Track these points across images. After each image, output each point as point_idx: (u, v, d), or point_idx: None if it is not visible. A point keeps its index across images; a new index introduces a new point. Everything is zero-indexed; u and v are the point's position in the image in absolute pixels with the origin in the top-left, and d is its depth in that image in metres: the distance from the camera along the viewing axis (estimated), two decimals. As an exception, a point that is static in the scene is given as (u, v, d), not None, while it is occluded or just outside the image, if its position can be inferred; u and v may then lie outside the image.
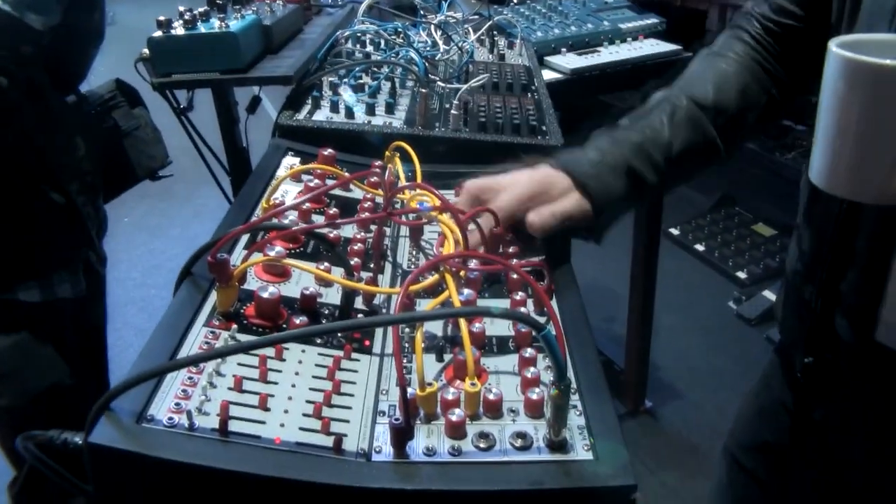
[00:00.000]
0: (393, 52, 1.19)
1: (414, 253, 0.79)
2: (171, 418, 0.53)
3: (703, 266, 3.00)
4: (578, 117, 2.07)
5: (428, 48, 1.30)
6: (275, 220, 0.65)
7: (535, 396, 0.56)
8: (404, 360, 0.62)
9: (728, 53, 0.91)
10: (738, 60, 0.90)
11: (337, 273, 0.69)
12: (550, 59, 1.75)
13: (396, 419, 0.52)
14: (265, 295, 0.63)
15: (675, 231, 3.16)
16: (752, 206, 3.28)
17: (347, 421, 0.56)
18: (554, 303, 0.70)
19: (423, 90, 1.04)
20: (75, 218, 1.22)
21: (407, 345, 0.63)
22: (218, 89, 1.30)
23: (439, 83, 1.16)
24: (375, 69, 1.18)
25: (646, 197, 0.85)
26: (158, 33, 1.05)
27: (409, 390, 0.55)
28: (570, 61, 1.72)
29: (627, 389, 2.31)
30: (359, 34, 1.33)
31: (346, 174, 0.85)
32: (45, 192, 1.17)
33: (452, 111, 1.04)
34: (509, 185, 0.80)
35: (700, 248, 3.06)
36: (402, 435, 0.52)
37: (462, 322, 0.58)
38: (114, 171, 1.38)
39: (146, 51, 1.06)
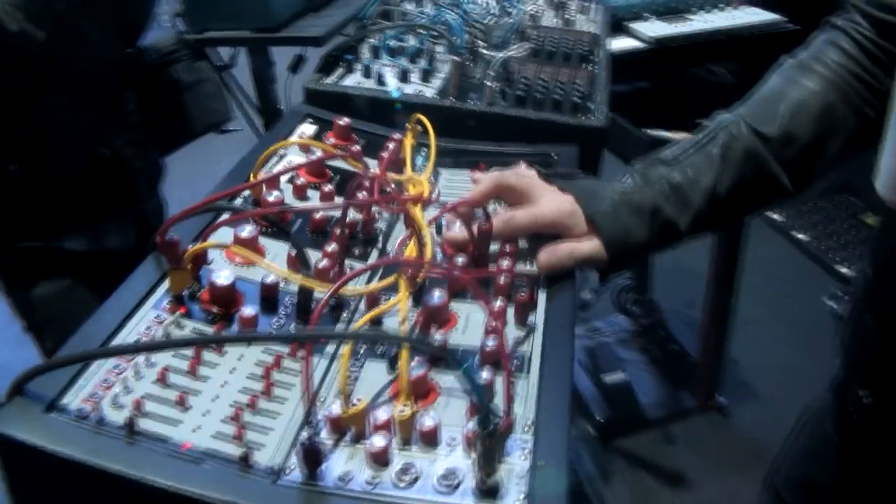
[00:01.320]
0: (435, 13, 1.11)
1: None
2: (81, 409, 0.50)
3: (802, 256, 2.75)
4: (663, 91, 1.92)
5: (481, 10, 1.21)
6: (222, 202, 0.60)
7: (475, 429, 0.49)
8: (356, 367, 0.57)
9: (815, 66, 0.77)
10: (825, 76, 0.76)
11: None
12: (633, 24, 1.61)
13: (306, 439, 0.47)
14: (219, 281, 0.59)
15: (776, 216, 2.91)
16: (867, 195, 2.97)
17: (270, 431, 0.51)
18: (538, 316, 0.62)
19: (456, 58, 0.96)
20: (122, 171, 1.23)
21: (361, 349, 0.58)
22: (250, 48, 1.27)
23: (484, 51, 1.07)
24: (420, 31, 1.11)
25: (677, 243, 0.75)
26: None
27: (335, 407, 0.50)
28: (654, 28, 1.57)
29: (698, 382, 2.18)
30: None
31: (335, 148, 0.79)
32: (91, 145, 1.18)
33: (487, 82, 0.96)
34: (534, 207, 0.71)
35: (801, 236, 2.80)
36: (310, 457, 0.47)
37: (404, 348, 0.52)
38: (172, 125, 1.39)
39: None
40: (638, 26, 1.59)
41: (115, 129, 1.19)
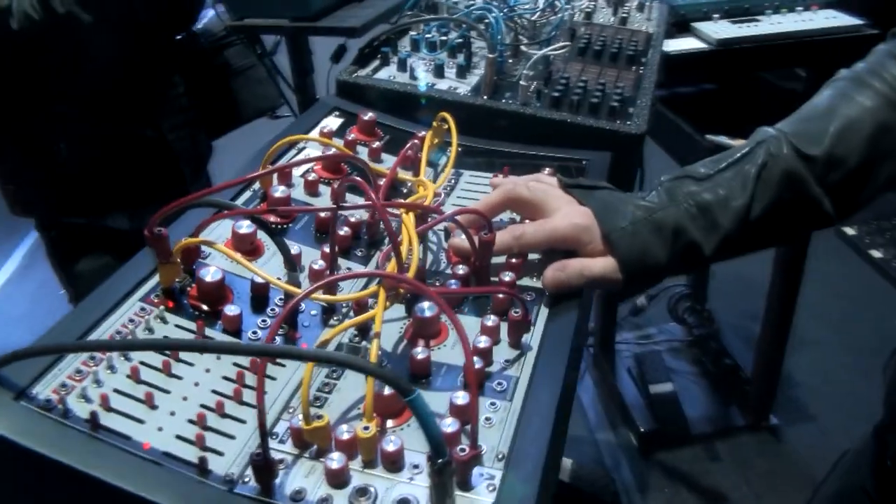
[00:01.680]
0: (475, 7, 1.08)
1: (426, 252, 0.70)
2: (49, 400, 0.49)
3: (873, 275, 2.59)
4: (730, 95, 1.83)
5: (530, 6, 1.16)
6: (210, 197, 0.59)
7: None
8: (334, 377, 0.55)
9: (872, 80, 0.71)
10: (883, 92, 0.69)
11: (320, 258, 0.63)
12: (698, 25, 1.53)
13: (257, 454, 0.45)
14: (207, 277, 0.58)
15: (850, 230, 2.75)
16: (957, 214, 2.77)
17: (233, 438, 0.50)
18: (535, 337, 0.59)
19: (491, 55, 0.92)
20: (167, 153, 1.24)
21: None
22: (287, 37, 1.26)
23: (525, 48, 1.03)
24: (456, 26, 1.07)
25: (701, 266, 0.69)
26: (232, -26, 1.02)
27: (296, 420, 0.48)
28: (719, 30, 1.49)
29: (750, 400, 2.08)
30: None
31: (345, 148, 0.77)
32: (136, 126, 1.20)
33: (521, 81, 0.92)
34: (546, 221, 0.67)
35: (877, 254, 2.64)
36: (259, 472, 0.45)
37: (373, 352, 0.50)
38: (222, 109, 1.40)
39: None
40: (703, 26, 1.51)
41: (162, 112, 1.21)
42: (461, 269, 0.63)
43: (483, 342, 0.55)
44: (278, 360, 0.55)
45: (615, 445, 2.06)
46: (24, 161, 1.16)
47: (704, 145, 1.60)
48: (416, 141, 0.81)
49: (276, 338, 0.56)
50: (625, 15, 1.27)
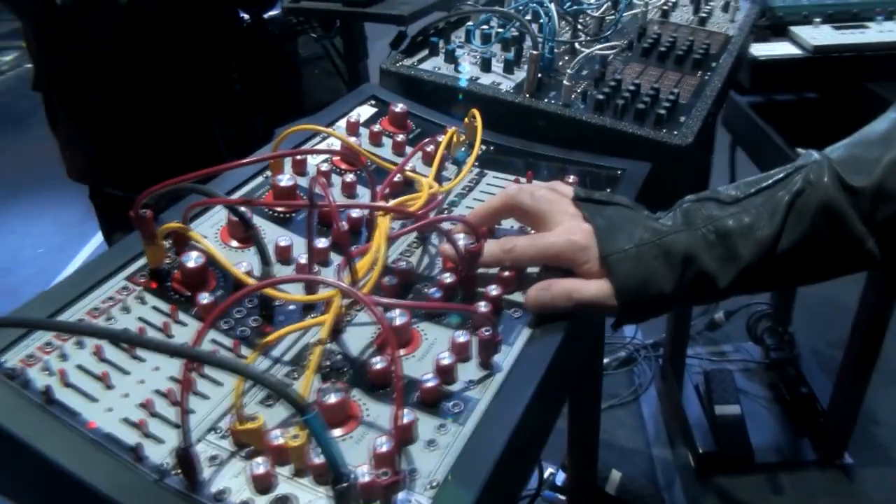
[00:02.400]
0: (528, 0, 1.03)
1: (417, 252, 0.68)
2: (14, 369, 0.51)
3: None
4: (829, 107, 1.69)
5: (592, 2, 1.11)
6: (190, 183, 0.58)
7: (365, 478, 0.44)
8: (293, 375, 0.54)
9: None
10: None
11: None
12: (797, 29, 1.41)
13: (179, 447, 0.45)
14: (188, 263, 0.59)
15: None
16: None
17: (178, 427, 0.50)
18: (509, 358, 0.56)
19: (535, 51, 0.88)
20: (206, 136, 1.25)
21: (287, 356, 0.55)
22: (341, 21, 1.25)
23: (579, 46, 0.98)
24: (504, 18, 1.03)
25: (714, 300, 0.62)
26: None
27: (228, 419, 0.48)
28: (819, 35, 1.37)
29: (824, 434, 1.94)
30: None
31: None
32: (179, 106, 1.21)
33: (565, 81, 0.87)
34: (542, 236, 0.63)
35: None
36: (182, 466, 0.45)
37: (314, 359, 0.48)
38: (283, 98, 1.40)
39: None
40: (800, 31, 1.40)
41: (208, 95, 1.22)
42: (448, 278, 0.60)
43: (446, 359, 0.52)
44: (241, 354, 0.54)
45: (671, 463, 1.97)
46: (77, 130, 1.21)
47: (793, 159, 1.49)
48: (439, 138, 0.79)
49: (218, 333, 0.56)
50: (705, 15, 1.19)
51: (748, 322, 2.18)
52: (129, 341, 0.49)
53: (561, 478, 1.81)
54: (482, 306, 0.57)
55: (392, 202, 0.64)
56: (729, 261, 0.61)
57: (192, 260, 0.59)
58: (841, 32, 1.38)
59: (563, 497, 1.76)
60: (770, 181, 0.64)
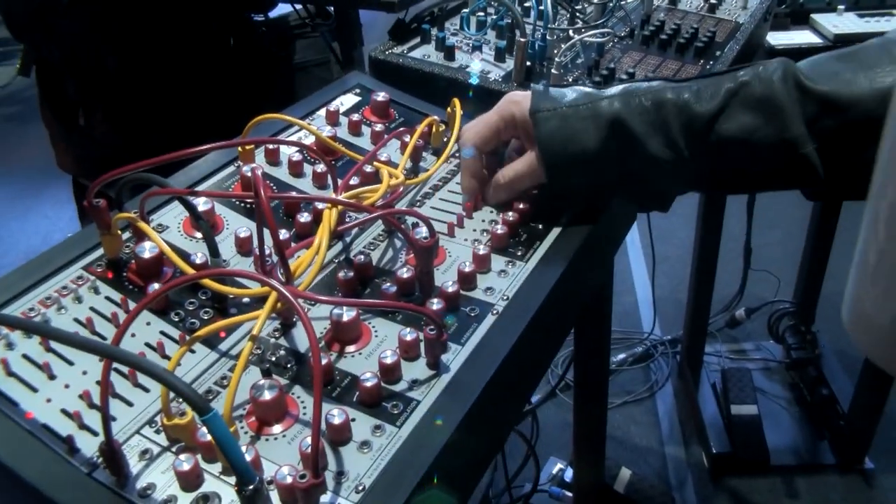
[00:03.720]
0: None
1: (382, 245, 0.66)
2: (-45, 357, 0.51)
3: None
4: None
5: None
6: (142, 171, 0.57)
7: (286, 480, 0.43)
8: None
9: None
10: None
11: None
12: (818, 17, 1.35)
13: (102, 442, 0.44)
14: (144, 255, 0.58)
15: None
16: None
17: (114, 419, 0.49)
18: (458, 359, 0.54)
19: (522, 39, 0.85)
20: (195, 135, 1.24)
21: (234, 350, 0.54)
22: (335, 8, 1.23)
23: (573, 33, 0.95)
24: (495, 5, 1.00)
25: (646, 168, 0.60)
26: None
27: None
28: (840, 23, 1.31)
29: (844, 438, 1.88)
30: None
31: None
32: (156, 104, 1.20)
33: (553, 70, 0.85)
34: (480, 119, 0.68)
35: None
36: (105, 461, 0.44)
37: (243, 355, 0.47)
38: (279, 103, 1.37)
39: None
40: (822, 18, 1.34)
41: (197, 93, 1.20)
42: (407, 273, 0.59)
43: (388, 357, 0.51)
44: (192, 349, 0.54)
45: (683, 463, 1.93)
46: (56, 121, 1.21)
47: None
48: (421, 128, 0.77)
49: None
50: (715, 1, 1.14)
51: (770, 320, 2.12)
52: (43, 334, 0.49)
53: (569, 474, 1.79)
54: (435, 303, 0.55)
55: (349, 194, 0.62)
56: (658, 127, 0.58)
57: (147, 251, 0.58)
58: (865, 20, 1.31)
59: (570, 494, 1.74)
60: (723, 70, 0.62)
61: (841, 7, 1.36)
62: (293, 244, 0.62)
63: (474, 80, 0.90)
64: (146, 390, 0.51)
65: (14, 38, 1.13)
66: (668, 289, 2.42)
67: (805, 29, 1.36)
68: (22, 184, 3.63)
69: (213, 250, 0.56)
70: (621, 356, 2.23)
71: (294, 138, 0.77)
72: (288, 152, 0.74)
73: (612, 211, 0.72)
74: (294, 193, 0.68)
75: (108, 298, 0.57)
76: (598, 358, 1.33)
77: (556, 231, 0.67)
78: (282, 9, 1.32)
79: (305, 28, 1.32)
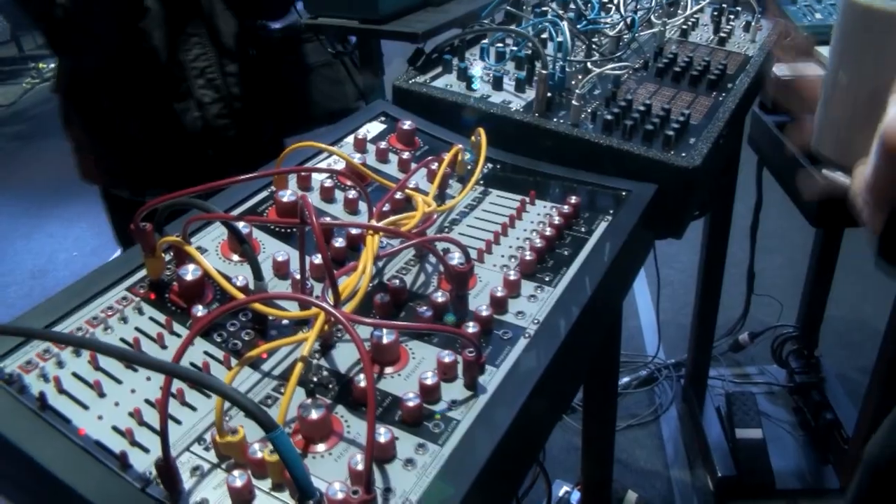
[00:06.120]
0: (538, 20, 1.03)
1: (414, 269, 0.68)
2: (12, 374, 0.53)
3: None
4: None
5: (613, 20, 1.10)
6: (188, 198, 0.60)
7: (337, 496, 0.45)
8: (280, 390, 0.55)
9: None
10: None
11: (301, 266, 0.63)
12: (822, 49, 1.39)
13: (160, 458, 0.46)
14: (187, 277, 0.60)
15: None
16: None
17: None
18: (495, 379, 0.56)
19: (544, 71, 0.88)
20: (215, 139, 1.26)
21: (276, 370, 0.56)
22: (357, 37, 1.26)
23: (591, 66, 0.98)
24: (516, 37, 1.04)
25: None
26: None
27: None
28: (844, 55, 1.35)
29: (848, 462, 1.89)
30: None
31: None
32: (183, 108, 1.23)
33: (574, 101, 0.88)
34: None
35: None
36: (161, 477, 0.46)
37: (294, 376, 0.49)
38: (292, 106, 1.39)
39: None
40: (826, 51, 1.37)
41: (204, 96, 1.22)
42: (441, 297, 0.61)
43: (429, 379, 0.53)
44: (231, 365, 0.56)
45: (689, 486, 1.94)
46: (85, 132, 1.23)
47: (817, 181, 1.46)
48: (444, 156, 0.79)
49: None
50: (725, 35, 1.18)
51: (773, 344, 2.13)
52: (107, 353, 0.51)
53: (576, 497, 1.80)
54: (470, 327, 0.57)
55: (386, 221, 0.64)
56: None
57: (190, 273, 0.60)
58: (868, 53, 1.35)
59: (577, 516, 1.74)
60: None
61: (845, 40, 1.40)
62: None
63: (472, 100, 0.91)
64: (194, 409, 0.53)
65: (52, 50, 1.15)
66: (671, 312, 2.43)
67: (811, 61, 1.40)
68: (27, 203, 3.65)
69: (258, 273, 0.58)
70: (626, 379, 2.24)
71: (324, 164, 0.79)
72: (320, 178, 0.77)
73: (634, 239, 0.75)
74: (332, 219, 0.70)
75: (152, 319, 0.59)
76: (607, 381, 1.34)
77: (581, 257, 0.70)
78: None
79: (309, 32, 1.35)
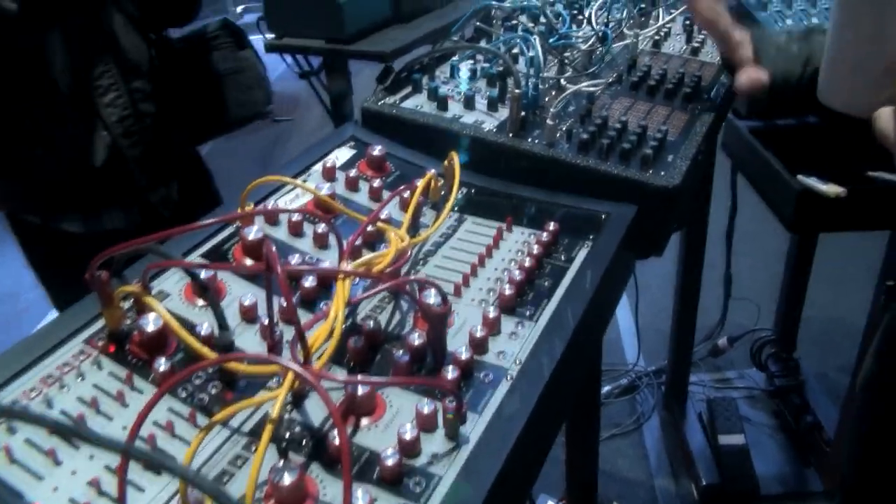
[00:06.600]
0: (509, 37, 1.01)
1: (388, 307, 0.65)
2: (-40, 444, 0.49)
3: None
4: (833, 132, 1.66)
5: (584, 34, 1.08)
6: (152, 244, 0.56)
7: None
8: (252, 448, 0.51)
9: None
10: None
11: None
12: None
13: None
14: (148, 328, 0.56)
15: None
16: None
17: (125, 507, 0.47)
18: (477, 428, 0.53)
19: (517, 90, 0.86)
20: (118, 157, 1.21)
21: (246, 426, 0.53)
22: (324, 58, 1.23)
23: (564, 82, 0.96)
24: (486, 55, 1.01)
25: None
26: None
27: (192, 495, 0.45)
28: (815, 61, 1.34)
29: (830, 464, 1.90)
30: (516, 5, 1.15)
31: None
32: (88, 129, 1.18)
33: (549, 121, 0.85)
34: None
35: None
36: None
37: (263, 440, 0.46)
38: (204, 114, 1.35)
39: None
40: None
41: (113, 116, 1.18)
42: (418, 339, 0.58)
43: (408, 433, 0.50)
44: (197, 424, 0.52)
45: (673, 495, 1.93)
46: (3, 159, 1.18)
47: (794, 188, 1.45)
48: (417, 182, 0.77)
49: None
50: (697, 44, 1.17)
51: (752, 348, 2.14)
52: (60, 431, 0.47)
53: (560, 511, 1.78)
54: (450, 371, 0.55)
55: (357, 262, 0.61)
56: None
57: (151, 323, 0.56)
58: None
59: (562, 531, 1.72)
60: None
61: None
62: (299, 310, 0.62)
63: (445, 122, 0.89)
64: (157, 473, 0.49)
65: None
66: (649, 317, 2.43)
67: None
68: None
69: (223, 324, 0.55)
70: (607, 388, 2.23)
71: (292, 195, 0.76)
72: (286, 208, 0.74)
73: (616, 265, 0.73)
74: (301, 256, 0.67)
75: (112, 374, 0.55)
76: (590, 392, 1.33)
77: (562, 287, 0.67)
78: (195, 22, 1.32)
79: (217, 39, 1.32)
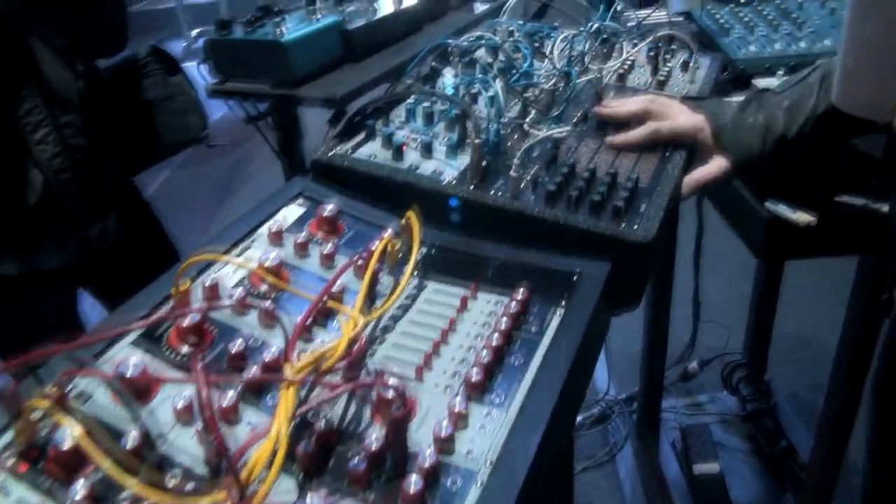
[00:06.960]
0: (469, 79, 0.95)
1: (351, 404, 0.58)
2: None
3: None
4: (800, 159, 1.64)
5: (548, 72, 1.03)
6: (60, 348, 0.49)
7: None
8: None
9: None
10: None
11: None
12: (759, 82, 1.36)
13: None
14: (65, 444, 0.49)
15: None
16: None
17: None
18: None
19: (477, 140, 0.80)
20: (50, 193, 1.16)
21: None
22: (271, 103, 1.16)
23: (528, 127, 0.91)
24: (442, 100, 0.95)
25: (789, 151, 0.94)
26: (216, 35, 0.93)
27: None
28: (775, 86, 1.32)
29: (806, 488, 1.87)
30: (478, 41, 1.10)
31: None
32: (20, 168, 1.12)
33: (511, 173, 0.80)
34: (673, 121, 0.94)
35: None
36: None
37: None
38: (136, 143, 1.30)
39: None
40: (763, 83, 1.34)
41: (47, 152, 1.13)
42: (376, 441, 0.51)
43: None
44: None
45: (650, 526, 1.89)
46: None
47: (763, 216, 1.42)
48: (373, 245, 0.70)
49: None
50: (663, 77, 1.13)
51: (723, 372, 2.11)
52: None
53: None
54: (413, 483, 0.48)
55: (301, 363, 0.54)
56: (792, 123, 0.94)
57: (69, 438, 0.49)
58: (803, 85, 1.32)
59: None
60: (802, 75, 0.96)
61: (780, 72, 1.37)
62: (241, 403, 0.55)
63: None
64: None
65: None
66: (619, 342, 2.39)
67: (747, 93, 1.36)
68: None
69: (149, 444, 0.47)
70: (578, 419, 2.18)
71: (245, 257, 0.69)
72: (229, 286, 0.67)
73: (591, 329, 0.67)
74: (244, 338, 0.60)
75: (20, 502, 0.48)
76: (565, 428, 1.27)
77: (534, 365, 0.61)
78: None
79: (147, 67, 1.26)
